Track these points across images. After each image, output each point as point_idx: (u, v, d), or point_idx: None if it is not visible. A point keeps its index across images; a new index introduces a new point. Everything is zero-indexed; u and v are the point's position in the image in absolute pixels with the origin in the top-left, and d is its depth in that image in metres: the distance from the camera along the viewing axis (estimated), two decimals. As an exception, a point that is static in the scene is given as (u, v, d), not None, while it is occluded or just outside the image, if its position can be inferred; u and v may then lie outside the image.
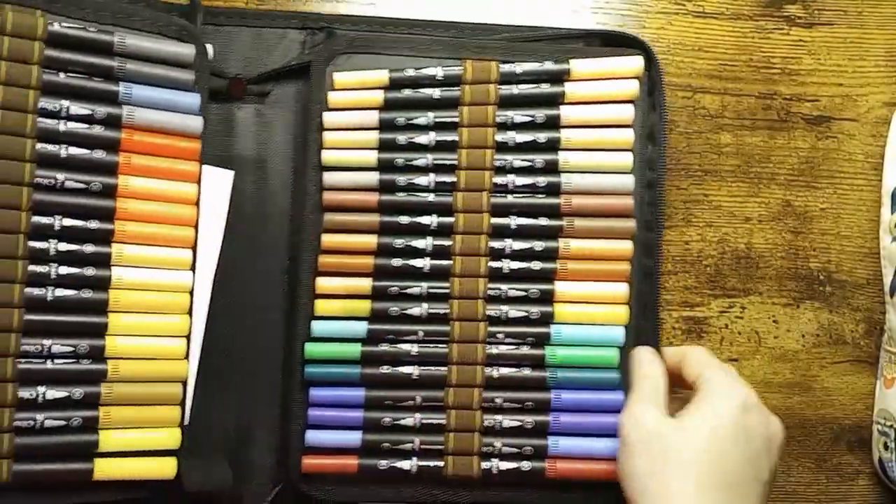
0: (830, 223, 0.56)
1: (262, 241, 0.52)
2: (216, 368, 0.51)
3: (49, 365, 0.46)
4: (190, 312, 0.49)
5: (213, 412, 0.50)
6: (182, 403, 0.48)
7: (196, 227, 0.49)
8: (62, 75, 0.47)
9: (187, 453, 0.48)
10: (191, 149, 0.49)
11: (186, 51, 0.48)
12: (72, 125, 0.47)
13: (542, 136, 0.51)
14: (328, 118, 0.51)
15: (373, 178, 0.51)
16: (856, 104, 0.57)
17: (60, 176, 0.46)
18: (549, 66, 0.51)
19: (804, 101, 0.56)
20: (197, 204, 0.49)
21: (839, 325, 0.56)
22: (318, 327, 0.50)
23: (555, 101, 0.52)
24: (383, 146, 0.51)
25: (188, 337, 0.49)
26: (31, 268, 0.46)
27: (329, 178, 0.51)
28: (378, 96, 0.51)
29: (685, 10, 0.57)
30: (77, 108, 0.46)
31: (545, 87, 0.51)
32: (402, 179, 0.51)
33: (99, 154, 0.47)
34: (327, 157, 0.51)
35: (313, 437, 0.50)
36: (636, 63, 0.52)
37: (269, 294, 0.52)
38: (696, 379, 0.46)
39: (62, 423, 0.46)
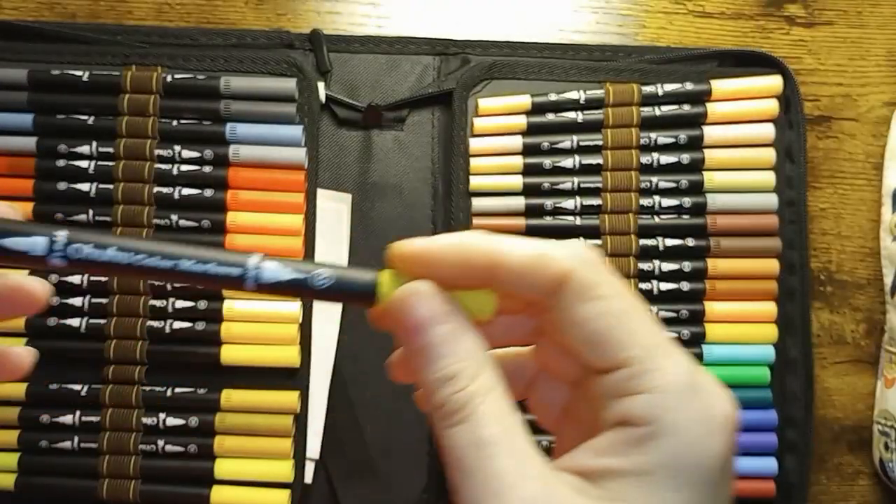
0: (831, 223, 0.56)
1: None
2: (356, 393, 0.51)
3: (168, 393, 0.48)
4: (302, 343, 0.50)
5: (357, 435, 0.51)
6: (298, 437, 0.49)
7: (306, 257, 0.50)
8: (175, 122, 0.50)
9: (344, 475, 0.50)
10: (295, 181, 0.50)
11: (287, 85, 0.50)
12: (184, 167, 0.49)
13: (685, 157, 0.52)
14: (474, 144, 0.51)
15: (519, 203, 0.51)
16: (856, 104, 0.57)
17: (174, 216, 0.49)
18: (689, 86, 0.52)
19: (804, 100, 0.55)
20: (306, 233, 0.50)
21: (840, 325, 0.56)
22: None
23: (697, 121, 0.52)
24: (528, 171, 0.51)
25: (298, 369, 0.49)
26: (152, 302, 0.49)
27: (477, 203, 0.51)
28: (521, 121, 0.52)
29: (685, 9, 0.57)
30: (188, 152, 0.49)
31: (686, 108, 0.52)
32: (548, 203, 0.51)
33: (208, 193, 0.49)
34: (474, 183, 0.51)
35: None
36: (775, 82, 0.52)
37: None
38: (614, 363, 0.21)
39: (180, 448, 0.48)
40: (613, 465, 0.20)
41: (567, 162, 0.51)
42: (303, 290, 0.23)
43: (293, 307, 0.49)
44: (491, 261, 0.22)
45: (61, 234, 0.22)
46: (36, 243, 0.22)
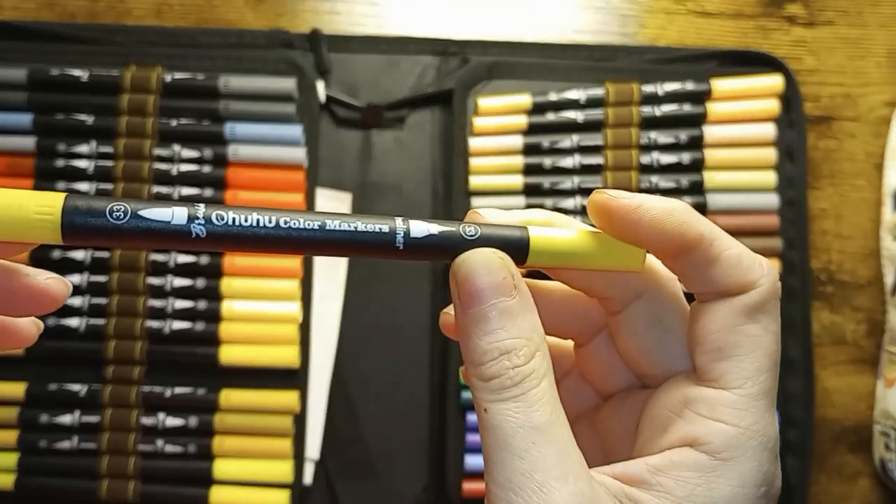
0: (831, 223, 0.56)
1: (403, 265, 0.53)
2: (356, 393, 0.51)
3: (168, 393, 0.49)
4: (302, 343, 0.50)
5: (357, 435, 0.51)
6: (298, 437, 0.49)
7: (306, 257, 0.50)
8: (174, 122, 0.50)
9: (344, 475, 0.50)
10: (294, 180, 0.50)
11: (287, 85, 0.50)
12: (183, 167, 0.50)
13: (685, 157, 0.52)
14: (474, 144, 0.51)
15: (519, 202, 0.51)
16: (856, 104, 0.57)
17: None
18: (690, 86, 0.52)
19: (805, 100, 0.55)
20: None
21: (840, 325, 0.56)
22: None
23: (697, 121, 0.52)
24: (529, 171, 0.52)
25: (298, 369, 0.49)
26: (151, 302, 0.49)
27: (477, 204, 0.51)
28: (521, 121, 0.52)
29: (686, 9, 0.57)
30: (187, 151, 0.49)
31: (687, 108, 0.52)
32: (548, 203, 0.51)
33: (208, 192, 0.50)
34: (474, 183, 0.51)
35: (474, 461, 0.49)
36: (775, 81, 0.53)
37: (413, 319, 0.52)
38: (727, 383, 0.21)
39: (180, 449, 0.48)
40: (670, 486, 0.20)
41: (567, 162, 0.51)
42: (448, 250, 0.21)
43: (293, 307, 0.49)
44: (697, 244, 0.21)
45: (199, 205, 0.21)
46: (175, 213, 0.20)
